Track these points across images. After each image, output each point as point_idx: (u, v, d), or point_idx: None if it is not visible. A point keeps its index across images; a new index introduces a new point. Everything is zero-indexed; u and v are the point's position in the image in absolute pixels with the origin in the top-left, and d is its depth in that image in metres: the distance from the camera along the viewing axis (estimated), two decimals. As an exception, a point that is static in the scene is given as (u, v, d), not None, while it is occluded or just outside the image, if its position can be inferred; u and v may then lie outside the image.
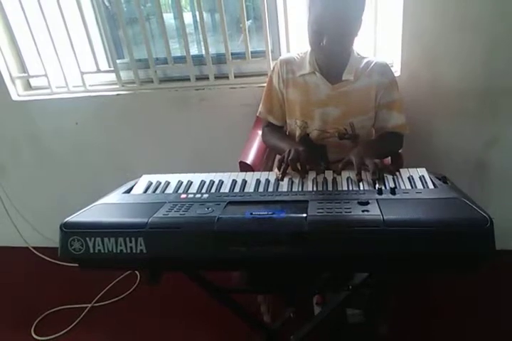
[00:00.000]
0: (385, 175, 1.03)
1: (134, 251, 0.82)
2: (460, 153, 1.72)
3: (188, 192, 1.01)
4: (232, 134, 1.76)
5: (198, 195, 0.98)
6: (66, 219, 0.87)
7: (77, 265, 0.89)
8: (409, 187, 0.97)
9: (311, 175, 1.07)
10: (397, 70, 1.60)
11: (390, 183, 0.99)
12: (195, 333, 1.63)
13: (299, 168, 1.08)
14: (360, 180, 1.01)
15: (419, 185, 0.98)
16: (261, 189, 1.02)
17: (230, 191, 1.01)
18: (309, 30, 1.19)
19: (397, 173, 1.04)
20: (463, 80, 1.59)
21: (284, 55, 1.42)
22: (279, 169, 1.08)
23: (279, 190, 1.02)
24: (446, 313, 1.60)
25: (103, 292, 1.87)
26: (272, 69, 1.39)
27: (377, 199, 0.88)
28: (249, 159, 1.41)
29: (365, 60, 1.29)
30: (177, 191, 1.02)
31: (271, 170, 1.39)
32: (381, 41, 1.63)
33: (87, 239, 0.83)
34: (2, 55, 1.82)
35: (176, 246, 0.83)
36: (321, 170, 1.07)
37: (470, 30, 1.51)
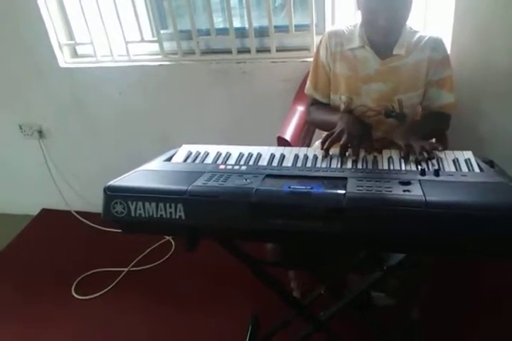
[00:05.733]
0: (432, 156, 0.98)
1: (174, 216, 0.84)
2: (509, 136, 1.64)
3: (227, 163, 1.02)
4: (271, 109, 1.75)
5: (237, 167, 0.98)
6: (109, 183, 0.90)
7: (117, 230, 0.93)
8: (454, 170, 0.94)
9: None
10: (447, 47, 1.52)
11: (433, 165, 0.96)
12: (226, 301, 1.68)
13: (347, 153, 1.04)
14: (407, 161, 0.98)
15: (465, 168, 0.94)
16: (299, 164, 1.01)
17: (268, 164, 1.01)
18: (364, 8, 1.15)
19: (444, 152, 1.00)
20: (516, 61, 1.51)
21: (332, 27, 1.37)
22: (322, 145, 1.06)
23: (318, 165, 1.01)
24: (483, 302, 1.57)
25: (139, 258, 1.95)
26: (319, 41, 1.34)
27: (419, 180, 0.86)
28: (288, 135, 1.40)
29: (417, 35, 1.24)
30: (216, 162, 1.03)
31: (308, 147, 1.37)
32: (432, 15, 1.55)
33: (129, 202, 0.86)
34: (52, 22, 1.85)
35: (214, 214, 0.84)
36: (370, 151, 1.04)
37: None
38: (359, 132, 1.09)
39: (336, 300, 1.16)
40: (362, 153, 1.04)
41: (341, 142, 1.05)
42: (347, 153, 1.04)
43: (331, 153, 1.04)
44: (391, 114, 1.25)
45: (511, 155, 1.62)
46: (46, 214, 2.37)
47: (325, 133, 1.14)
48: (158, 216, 0.85)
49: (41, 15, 1.81)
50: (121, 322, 1.66)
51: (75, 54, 2.01)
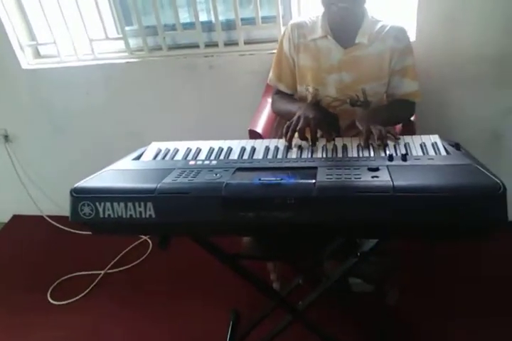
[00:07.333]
0: (388, 142, 1.01)
1: (144, 216, 0.83)
2: (475, 121, 1.68)
3: (197, 158, 1.01)
4: (242, 102, 1.74)
5: (207, 162, 0.97)
6: (76, 185, 0.88)
7: (90, 233, 0.90)
8: (421, 154, 0.95)
9: (321, 142, 1.06)
10: (412, 35, 1.54)
11: (401, 150, 0.97)
12: (207, 297, 1.67)
13: (308, 136, 1.06)
14: (367, 146, 1.00)
15: (432, 152, 0.95)
16: (270, 156, 1.01)
17: (238, 158, 1.00)
18: None
19: (399, 140, 1.02)
20: (481, 46, 1.54)
21: (295, 19, 1.37)
22: (285, 136, 1.06)
23: (288, 156, 1.01)
24: (457, 285, 1.59)
25: (116, 259, 1.92)
26: (282, 34, 1.35)
27: (387, 166, 0.87)
28: (259, 127, 1.40)
29: (379, 24, 1.24)
30: (186, 158, 1.02)
31: (281, 138, 1.38)
32: (395, 3, 1.56)
33: (97, 203, 0.84)
34: (10, 22, 1.79)
35: (185, 211, 0.83)
36: (331, 138, 1.05)
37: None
38: (315, 115, 1.10)
39: (314, 289, 1.16)
40: (323, 142, 1.05)
41: (298, 127, 1.07)
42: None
43: (293, 142, 1.05)
44: (356, 103, 1.27)
45: (478, 139, 1.68)
46: (18, 220, 2.32)
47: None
48: (128, 216, 0.83)
49: (-2, 15, 1.75)
50: (102, 325, 1.64)
51: (37, 55, 1.96)
